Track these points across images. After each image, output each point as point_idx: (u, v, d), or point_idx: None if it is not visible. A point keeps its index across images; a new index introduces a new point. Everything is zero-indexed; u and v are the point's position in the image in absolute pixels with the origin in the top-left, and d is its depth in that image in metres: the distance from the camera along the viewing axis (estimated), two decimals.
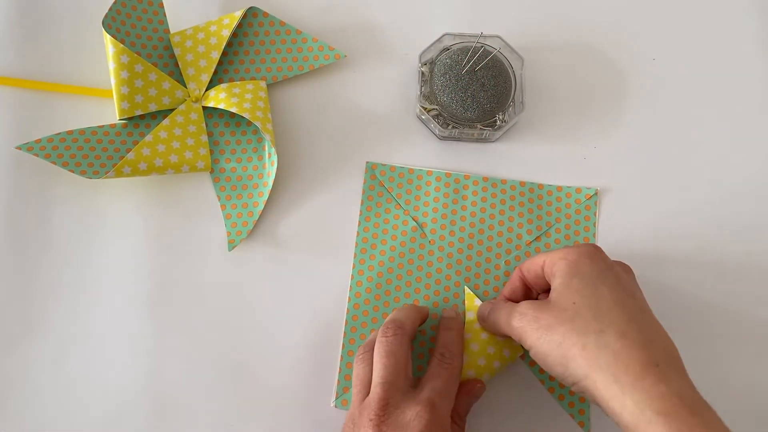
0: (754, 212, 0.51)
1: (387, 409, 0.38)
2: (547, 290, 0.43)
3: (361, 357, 0.43)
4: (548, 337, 0.38)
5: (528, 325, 0.39)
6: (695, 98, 0.54)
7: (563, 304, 0.38)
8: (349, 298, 0.49)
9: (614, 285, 0.39)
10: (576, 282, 0.39)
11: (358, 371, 0.42)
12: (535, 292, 0.45)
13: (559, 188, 0.51)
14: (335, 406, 0.46)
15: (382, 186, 0.51)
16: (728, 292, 0.49)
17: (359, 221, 0.50)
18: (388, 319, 0.44)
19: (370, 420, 0.38)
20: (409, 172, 0.51)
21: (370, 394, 0.40)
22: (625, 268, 0.42)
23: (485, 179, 0.51)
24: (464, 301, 0.48)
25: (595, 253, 0.41)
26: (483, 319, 0.45)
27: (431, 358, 0.43)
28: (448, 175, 0.51)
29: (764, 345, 0.48)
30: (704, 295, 0.49)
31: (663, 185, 0.52)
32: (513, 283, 0.45)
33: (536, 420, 0.47)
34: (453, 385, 0.42)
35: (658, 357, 0.36)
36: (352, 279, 0.49)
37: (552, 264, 0.41)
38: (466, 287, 0.48)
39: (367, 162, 0.52)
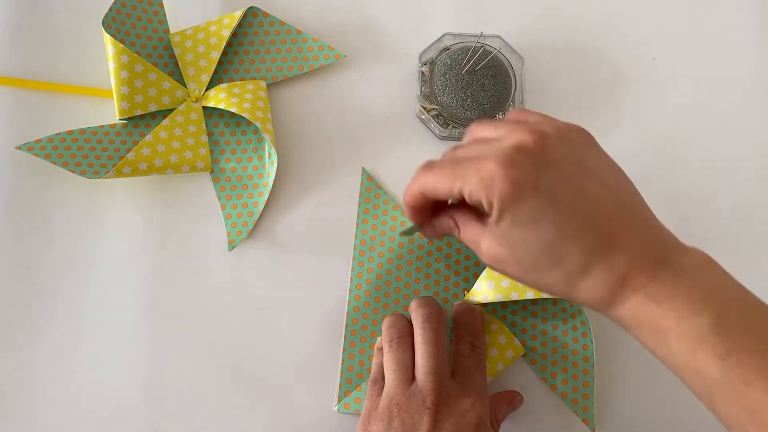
0: (756, 217, 0.51)
1: (441, 398, 0.40)
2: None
3: (397, 340, 0.43)
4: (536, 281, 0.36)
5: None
6: (695, 98, 0.54)
7: (517, 255, 0.34)
8: (349, 301, 0.48)
9: (543, 222, 0.33)
10: (518, 232, 0.34)
11: (396, 356, 0.42)
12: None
13: None
14: (338, 411, 0.46)
15: (379, 188, 0.51)
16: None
17: (357, 224, 0.50)
18: (422, 304, 0.44)
19: (428, 408, 0.39)
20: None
21: (422, 383, 0.40)
22: (559, 145, 0.36)
23: None
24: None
25: (516, 180, 0.33)
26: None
27: (460, 344, 0.44)
28: None
29: None
30: None
31: (663, 185, 0.52)
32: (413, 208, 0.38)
33: (541, 417, 0.47)
34: (486, 374, 0.44)
35: (621, 271, 0.33)
36: (351, 282, 0.49)
37: (485, 205, 0.34)
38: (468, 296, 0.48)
39: (363, 167, 0.52)
